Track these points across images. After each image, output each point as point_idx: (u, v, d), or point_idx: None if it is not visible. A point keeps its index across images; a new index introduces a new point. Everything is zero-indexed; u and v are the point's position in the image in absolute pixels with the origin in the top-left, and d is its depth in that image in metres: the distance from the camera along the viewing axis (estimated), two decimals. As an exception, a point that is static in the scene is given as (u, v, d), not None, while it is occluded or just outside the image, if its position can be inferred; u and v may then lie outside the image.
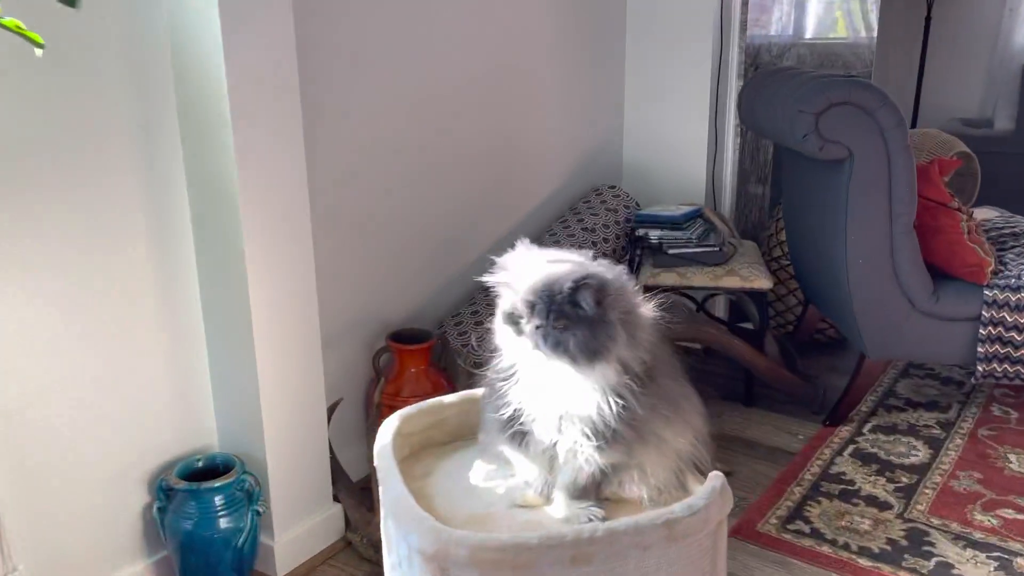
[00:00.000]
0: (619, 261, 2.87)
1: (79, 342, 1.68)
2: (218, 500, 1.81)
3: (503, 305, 1.15)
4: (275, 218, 1.79)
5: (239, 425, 1.91)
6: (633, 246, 2.85)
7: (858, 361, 2.63)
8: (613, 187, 3.00)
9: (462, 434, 1.39)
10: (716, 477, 1.16)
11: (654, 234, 2.76)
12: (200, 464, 1.89)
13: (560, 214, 2.93)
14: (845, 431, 2.61)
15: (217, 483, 1.81)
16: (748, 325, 2.88)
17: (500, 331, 1.17)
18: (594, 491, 1.22)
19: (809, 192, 2.67)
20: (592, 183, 3.05)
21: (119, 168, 1.67)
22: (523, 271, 1.14)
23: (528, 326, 1.12)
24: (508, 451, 1.24)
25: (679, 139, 3.09)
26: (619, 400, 1.13)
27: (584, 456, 1.17)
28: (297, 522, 1.98)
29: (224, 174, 1.71)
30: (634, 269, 2.84)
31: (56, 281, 1.62)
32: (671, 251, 2.75)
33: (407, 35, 2.25)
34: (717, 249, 2.74)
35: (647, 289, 2.80)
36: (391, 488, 1.14)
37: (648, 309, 1.21)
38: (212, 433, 1.96)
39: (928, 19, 4.89)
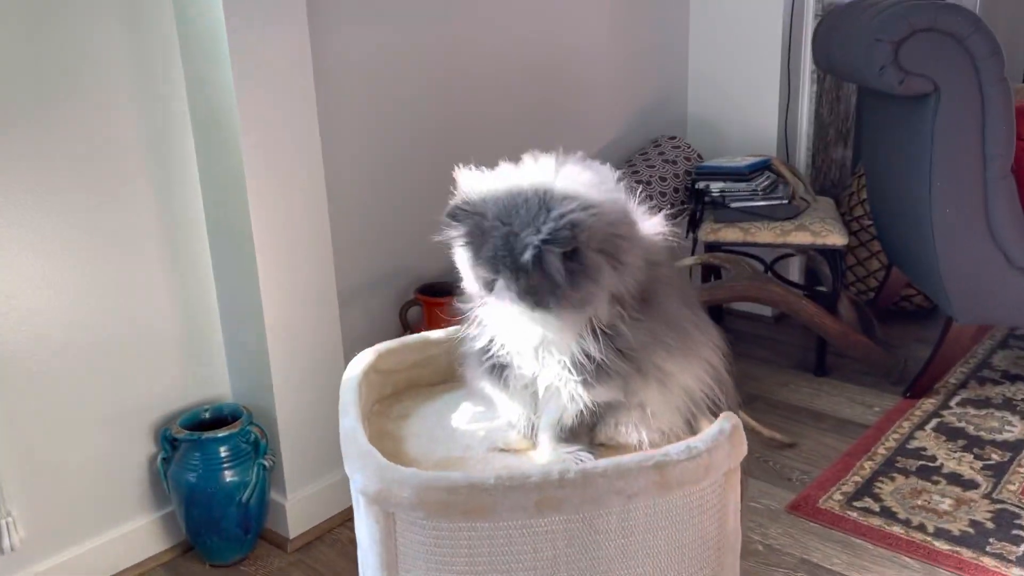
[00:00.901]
0: (678, 216, 2.66)
1: (86, 287, 1.60)
2: (222, 451, 1.71)
3: (465, 250, 0.96)
4: (281, 162, 1.67)
5: (250, 377, 1.81)
6: (694, 200, 2.62)
7: (944, 326, 2.35)
8: (673, 137, 2.77)
9: (453, 375, 1.22)
10: (727, 417, 0.96)
11: (715, 186, 2.54)
12: (207, 415, 1.79)
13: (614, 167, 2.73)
14: (929, 404, 2.34)
15: (221, 433, 1.71)
16: (823, 289, 2.61)
17: (461, 257, 0.99)
18: (586, 435, 1.04)
19: (891, 136, 2.39)
20: (652, 135, 2.83)
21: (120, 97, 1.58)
22: (484, 211, 0.95)
23: (497, 286, 0.94)
24: (488, 387, 1.07)
25: (748, 87, 2.84)
26: (606, 331, 0.95)
27: (568, 393, 0.99)
28: (311, 482, 1.86)
29: (225, 101, 1.60)
30: (695, 225, 2.61)
31: (67, 230, 1.57)
32: (734, 204, 2.51)
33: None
34: (785, 202, 2.49)
35: (708, 247, 2.58)
36: (345, 423, 0.99)
37: (644, 222, 1.02)
38: (224, 383, 1.86)
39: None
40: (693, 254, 2.68)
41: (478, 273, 0.96)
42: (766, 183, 2.52)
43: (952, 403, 2.33)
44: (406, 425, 1.14)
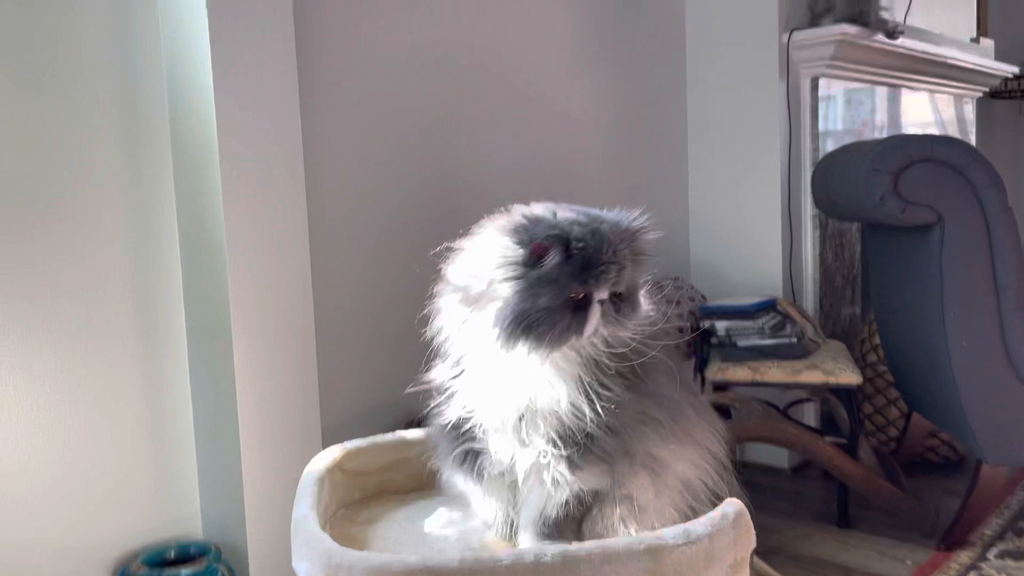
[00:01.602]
0: (684, 359, 2.57)
1: (46, 410, 1.51)
2: (183, 590, 1.55)
3: (555, 288, 0.89)
4: (269, 300, 1.63)
5: (223, 515, 1.67)
6: (700, 340, 2.54)
7: (975, 469, 2.19)
8: (676, 279, 2.73)
9: (429, 481, 1.11)
10: (732, 503, 0.84)
11: (721, 325, 2.46)
12: (172, 553, 1.65)
13: (618, 310, 2.67)
14: (965, 557, 2.14)
15: (183, 570, 1.56)
16: (842, 440, 2.47)
17: (453, 311, 0.91)
18: (573, 532, 0.91)
19: (899, 271, 2.34)
20: (655, 278, 2.79)
21: (110, 239, 1.56)
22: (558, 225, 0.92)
23: (595, 304, 0.89)
24: (460, 480, 0.95)
25: (751, 231, 2.83)
26: (598, 390, 0.85)
27: (553, 475, 0.88)
28: (284, 628, 1.68)
29: (214, 241, 1.57)
30: (702, 366, 2.52)
31: (38, 354, 1.50)
32: (741, 343, 2.43)
33: (432, 117, 2.14)
34: (794, 341, 2.41)
35: (716, 388, 2.48)
36: (298, 511, 0.87)
37: (644, 294, 0.95)
38: (196, 520, 1.72)
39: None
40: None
41: (561, 291, 0.90)
42: (773, 322, 2.44)
43: (990, 555, 2.13)
44: (372, 529, 1.02)
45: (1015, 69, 3.92)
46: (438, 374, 0.94)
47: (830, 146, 2.89)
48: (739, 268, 2.86)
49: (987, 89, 3.88)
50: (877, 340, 2.80)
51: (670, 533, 0.78)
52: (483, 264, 0.90)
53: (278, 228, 1.65)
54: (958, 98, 3.75)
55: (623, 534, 0.89)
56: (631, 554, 0.75)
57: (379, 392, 2.00)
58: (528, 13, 2.37)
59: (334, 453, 1.06)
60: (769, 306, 2.53)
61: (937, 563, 2.11)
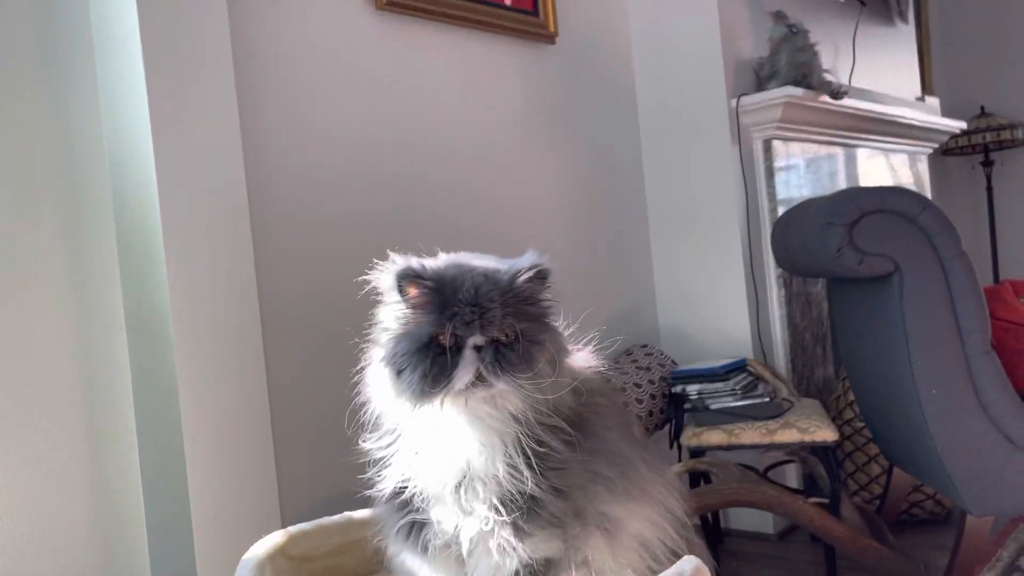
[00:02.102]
0: (657, 426, 2.53)
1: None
2: None
3: (416, 330, 0.89)
4: (219, 381, 1.59)
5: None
6: (672, 407, 2.51)
7: (960, 522, 2.14)
8: (645, 345, 2.71)
9: (383, 564, 1.05)
10: (688, 560, 0.80)
11: (692, 388, 2.43)
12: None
13: (588, 380, 2.64)
14: (960, 613, 2.07)
15: None
16: (824, 500, 2.42)
17: (379, 382, 0.89)
18: (527, 605, 0.86)
19: (862, 323, 2.33)
20: (623, 346, 2.77)
21: (53, 299, 1.53)
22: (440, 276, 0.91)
23: (467, 350, 0.87)
24: (407, 557, 0.91)
25: (717, 296, 2.83)
26: (536, 449, 0.82)
27: (499, 543, 0.83)
28: None
29: (158, 299, 1.54)
30: (675, 434, 2.47)
31: None
32: (713, 406, 2.40)
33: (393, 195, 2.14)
34: (767, 400, 2.38)
35: (693, 454, 2.43)
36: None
37: (573, 351, 0.93)
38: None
39: (989, 189, 4.67)
40: (679, 462, 2.51)
41: (419, 333, 0.91)
42: (744, 382, 2.42)
43: (986, 611, 2.07)
44: (319, 617, 0.96)
45: (962, 124, 4.03)
46: (374, 443, 0.91)
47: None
48: (707, 332, 2.85)
49: (937, 146, 3.97)
50: (852, 396, 2.77)
51: (620, 596, 0.73)
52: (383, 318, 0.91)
53: (227, 307, 1.62)
54: (911, 157, 3.83)
55: (581, 602, 0.84)
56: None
57: (339, 485, 1.94)
58: (479, 89, 2.41)
59: (276, 538, 1.01)
60: (740, 367, 2.51)
61: (931, 622, 2.04)
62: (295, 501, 1.79)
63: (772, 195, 2.85)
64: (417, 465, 0.87)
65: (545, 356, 0.91)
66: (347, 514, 1.09)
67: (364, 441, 0.92)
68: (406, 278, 0.92)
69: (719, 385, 2.42)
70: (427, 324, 0.89)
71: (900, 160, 3.72)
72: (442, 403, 0.88)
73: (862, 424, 2.72)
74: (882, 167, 3.55)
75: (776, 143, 2.88)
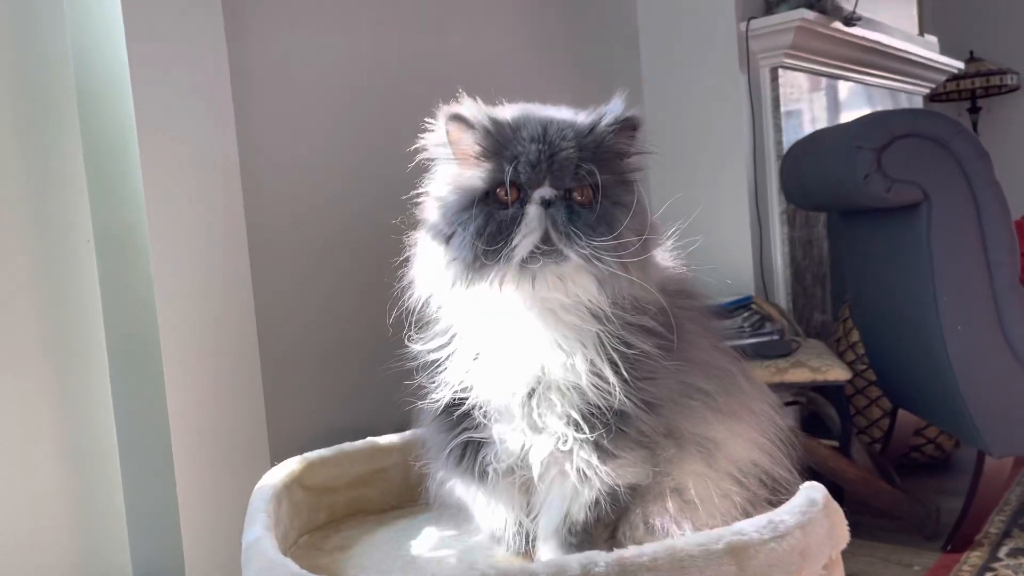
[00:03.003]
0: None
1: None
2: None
3: (469, 183, 0.73)
4: (202, 307, 1.40)
5: (157, 552, 1.42)
6: (674, 346, 2.38)
7: (977, 463, 2.06)
8: (645, 282, 2.57)
9: (412, 496, 0.90)
10: (813, 487, 0.66)
11: (698, 326, 2.30)
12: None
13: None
14: (975, 557, 1.99)
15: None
16: (832, 442, 2.32)
17: (425, 259, 0.73)
18: (606, 541, 0.72)
19: (879, 259, 2.22)
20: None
21: (16, 252, 1.33)
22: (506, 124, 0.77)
23: (532, 205, 0.71)
24: (459, 485, 0.75)
25: (720, 231, 2.70)
26: (626, 352, 0.66)
27: (578, 466, 0.68)
28: None
29: (136, 244, 1.35)
30: (678, 373, 2.35)
31: None
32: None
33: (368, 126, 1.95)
34: (776, 338, 2.26)
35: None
36: (249, 535, 0.66)
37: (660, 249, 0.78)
38: (124, 557, 1.46)
39: (975, 125, 4.60)
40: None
41: (487, 192, 0.75)
42: (753, 319, 2.29)
43: (1001, 554, 1.99)
44: (345, 558, 0.81)
45: (960, 64, 3.92)
46: (422, 345, 0.75)
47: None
48: (710, 272, 2.71)
49: (934, 86, 3.86)
50: (854, 338, 2.68)
51: (751, 526, 0.59)
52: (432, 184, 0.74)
53: (211, 228, 1.43)
54: (908, 98, 3.71)
55: (672, 537, 0.70)
56: (708, 556, 0.56)
57: (337, 409, 1.78)
58: (476, 17, 2.21)
59: (291, 466, 0.85)
60: (745, 303, 2.39)
61: (947, 566, 1.96)
62: (285, 435, 1.63)
63: (778, 127, 2.71)
64: (477, 371, 0.72)
65: (633, 226, 0.75)
66: (371, 439, 0.94)
67: (411, 341, 0.76)
68: (453, 121, 0.76)
69: (726, 322, 2.29)
70: (483, 173, 0.73)
71: (898, 100, 3.60)
72: (501, 282, 0.72)
73: (863, 366, 2.63)
74: (884, 106, 3.42)
75: (782, 72, 2.73)
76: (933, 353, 2.01)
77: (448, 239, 0.73)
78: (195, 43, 1.42)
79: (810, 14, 2.58)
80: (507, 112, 0.80)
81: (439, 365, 0.75)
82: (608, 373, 0.69)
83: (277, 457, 1.55)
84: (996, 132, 4.69)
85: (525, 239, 0.70)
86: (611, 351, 0.70)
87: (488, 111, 0.79)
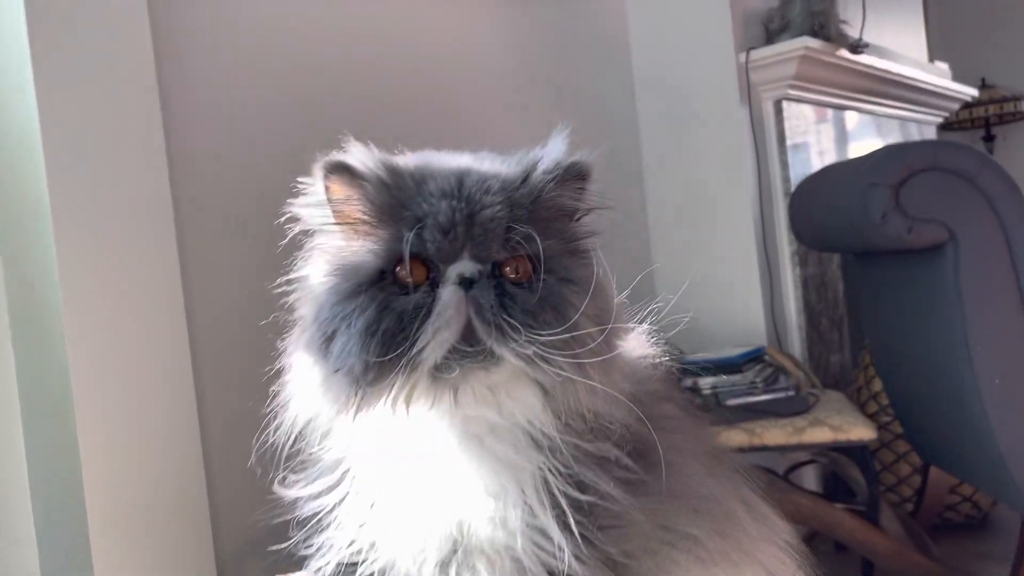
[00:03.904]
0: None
1: None
2: None
3: (356, 260, 0.55)
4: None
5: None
6: (681, 404, 2.18)
7: (1021, 529, 1.84)
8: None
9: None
10: None
11: (705, 383, 2.11)
12: None
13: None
14: (1027, 639, 1.77)
15: None
16: (858, 506, 2.11)
17: (302, 371, 0.55)
18: None
19: (901, 304, 2.02)
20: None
21: None
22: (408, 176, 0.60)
23: (447, 286, 0.53)
24: None
25: (725, 276, 2.51)
26: (578, 497, 0.48)
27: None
28: None
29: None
30: (686, 434, 2.15)
31: None
32: (731, 402, 2.07)
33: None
34: (792, 394, 2.06)
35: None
36: None
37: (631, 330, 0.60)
38: None
39: (989, 154, 4.41)
40: (690, 469, 2.19)
41: (381, 271, 0.57)
42: (766, 373, 2.10)
43: (1056, 635, 1.77)
44: None
45: (973, 91, 3.75)
46: (303, 488, 0.56)
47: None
48: (716, 317, 2.52)
49: (947, 115, 3.69)
50: (876, 387, 2.48)
51: None
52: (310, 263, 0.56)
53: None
54: (919, 128, 3.54)
55: None
56: None
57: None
58: (455, 36, 2.06)
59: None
60: (758, 355, 2.19)
61: (996, 651, 1.74)
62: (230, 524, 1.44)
63: (784, 163, 2.54)
64: (374, 525, 0.53)
65: (592, 310, 0.57)
66: (283, 577, 0.74)
67: (285, 484, 0.58)
68: (335, 173, 0.58)
69: (737, 378, 2.10)
70: (375, 245, 0.55)
71: (909, 130, 3.43)
72: (407, 400, 0.54)
73: (888, 418, 2.42)
74: (895, 138, 3.25)
75: (786, 104, 2.57)
76: (967, 408, 1.80)
77: (328, 341, 0.55)
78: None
79: (814, 42, 2.43)
80: (411, 159, 0.63)
81: (322, 516, 0.56)
82: (554, 529, 0.50)
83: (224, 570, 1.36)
84: (1012, 160, 4.50)
85: (438, 336, 0.52)
86: (558, 494, 0.51)
87: (383, 158, 0.62)
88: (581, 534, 0.51)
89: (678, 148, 2.55)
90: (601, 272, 0.61)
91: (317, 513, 0.57)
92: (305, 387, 0.58)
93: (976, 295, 1.75)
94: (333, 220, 0.60)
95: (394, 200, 0.57)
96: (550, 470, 0.53)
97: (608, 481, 0.53)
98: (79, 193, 1.16)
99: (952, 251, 1.76)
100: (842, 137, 2.96)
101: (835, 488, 2.43)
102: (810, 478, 2.50)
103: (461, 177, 0.58)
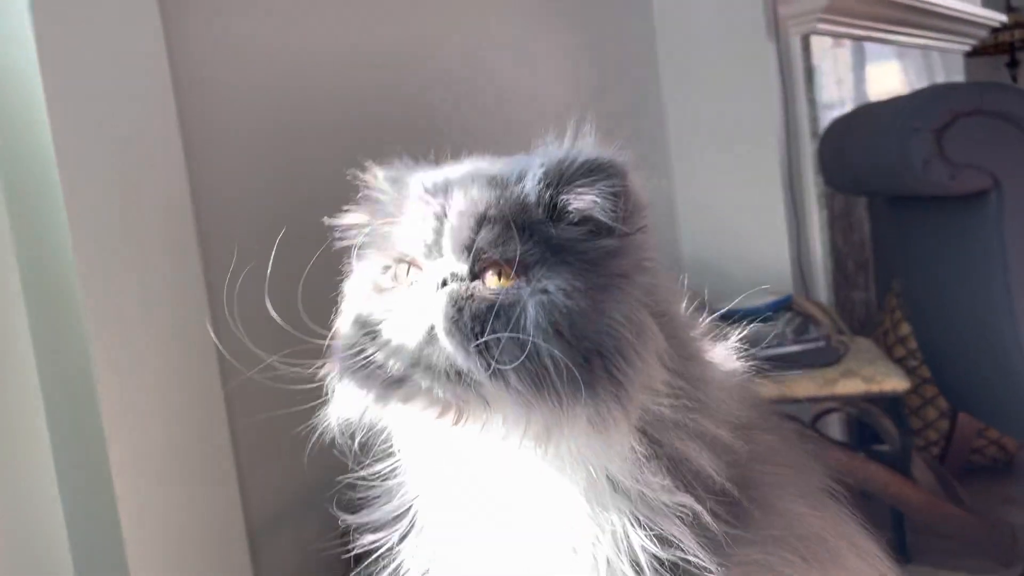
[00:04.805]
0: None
1: None
2: None
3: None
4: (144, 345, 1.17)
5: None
6: (707, 355, 2.14)
7: (1059, 481, 1.82)
8: (671, 283, 2.32)
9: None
10: None
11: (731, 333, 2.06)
12: None
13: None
14: (1061, 589, 1.76)
15: None
16: (884, 448, 2.09)
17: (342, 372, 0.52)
18: None
19: (938, 250, 1.96)
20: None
21: None
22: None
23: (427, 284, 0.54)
24: None
25: (750, 219, 2.44)
26: (663, 547, 0.43)
27: None
28: None
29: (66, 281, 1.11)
30: (713, 385, 2.11)
31: None
32: (758, 354, 2.02)
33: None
34: (823, 344, 2.01)
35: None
36: None
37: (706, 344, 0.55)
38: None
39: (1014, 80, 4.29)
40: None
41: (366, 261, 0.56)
42: (795, 323, 2.05)
43: (1090, 584, 1.76)
44: None
45: (1002, 17, 3.60)
46: (368, 516, 0.51)
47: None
48: (741, 264, 2.46)
49: (975, 42, 3.55)
50: (903, 331, 2.43)
51: None
52: None
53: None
54: (945, 58, 3.40)
55: None
56: None
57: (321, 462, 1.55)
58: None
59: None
60: (785, 305, 2.13)
61: (1030, 602, 1.73)
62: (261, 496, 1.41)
63: (812, 101, 2.44)
64: (442, 565, 0.48)
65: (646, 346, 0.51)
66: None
67: (344, 505, 0.53)
68: (361, 200, 0.55)
69: (764, 328, 2.04)
70: (372, 256, 0.52)
71: (938, 62, 3.30)
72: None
73: (916, 363, 2.38)
74: (921, 69, 3.12)
75: (814, 39, 2.45)
76: (1005, 357, 1.76)
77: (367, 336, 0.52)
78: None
79: (846, -28, 2.31)
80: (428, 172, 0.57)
81: (387, 553, 0.51)
82: None
83: (256, 535, 1.34)
84: (1038, 87, 4.37)
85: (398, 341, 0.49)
86: (639, 552, 0.46)
87: (392, 172, 0.57)
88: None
89: (700, 86, 2.44)
90: (658, 280, 0.55)
91: (378, 545, 0.53)
92: (338, 389, 0.55)
93: (1019, 244, 1.68)
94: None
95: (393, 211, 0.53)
96: (631, 522, 0.48)
97: (691, 537, 0.48)
98: (95, 192, 1.10)
99: (996, 199, 1.68)
100: (859, 65, 2.84)
101: (861, 435, 2.41)
102: (834, 425, 2.47)
103: (469, 181, 0.53)
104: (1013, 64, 4.41)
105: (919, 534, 2.03)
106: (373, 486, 0.57)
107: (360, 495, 0.57)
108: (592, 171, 0.56)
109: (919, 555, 1.99)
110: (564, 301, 0.53)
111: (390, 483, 0.55)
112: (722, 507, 0.49)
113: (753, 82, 2.36)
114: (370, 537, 0.54)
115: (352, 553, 0.56)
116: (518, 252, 0.52)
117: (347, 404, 0.57)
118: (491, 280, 0.53)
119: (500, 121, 1.98)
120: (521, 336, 0.50)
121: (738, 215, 2.45)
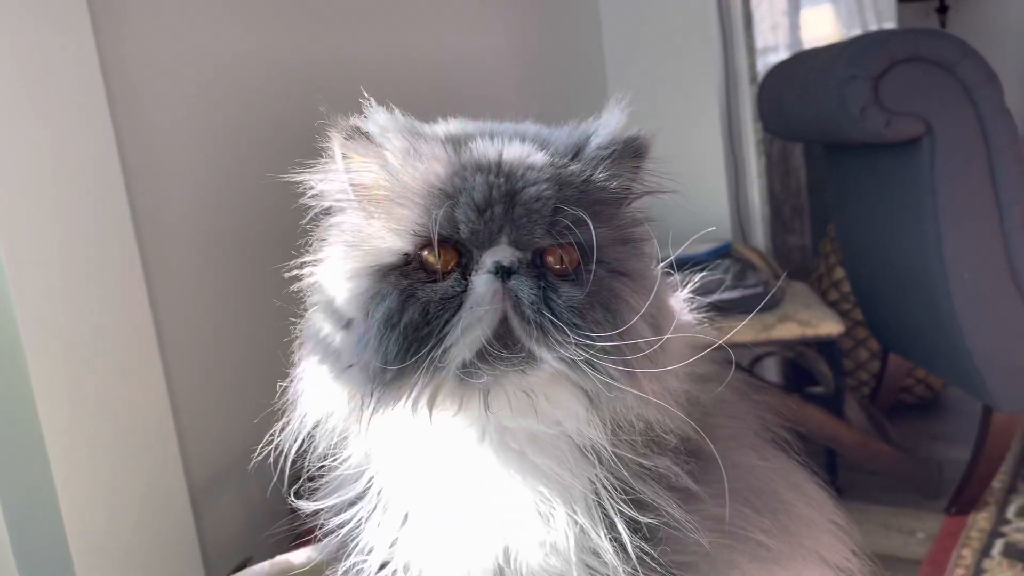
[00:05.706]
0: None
1: None
2: None
3: (375, 244, 0.48)
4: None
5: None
6: (648, 302, 2.16)
7: (982, 419, 1.89)
8: (612, 231, 2.33)
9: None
10: None
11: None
12: None
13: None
14: (982, 520, 1.85)
15: None
16: (819, 390, 2.15)
17: (315, 372, 0.48)
18: None
19: (873, 196, 2.00)
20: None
21: None
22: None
23: (480, 274, 0.49)
24: None
25: (689, 166, 2.44)
26: (636, 508, 0.43)
27: None
28: None
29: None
30: (654, 332, 2.14)
31: None
32: (703, 301, 2.05)
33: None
34: (760, 290, 2.04)
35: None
36: None
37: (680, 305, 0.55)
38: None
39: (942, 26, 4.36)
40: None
41: (406, 257, 0.49)
42: (734, 270, 2.07)
43: (1009, 514, 1.85)
44: None
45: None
46: (323, 499, 0.50)
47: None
48: (679, 209, 2.46)
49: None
50: (837, 275, 2.48)
51: None
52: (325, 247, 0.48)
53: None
54: (878, 2, 3.44)
55: None
56: None
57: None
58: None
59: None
60: (724, 252, 2.16)
61: (954, 531, 1.81)
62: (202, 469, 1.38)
63: (752, 48, 2.44)
64: (408, 545, 0.47)
65: (647, 309, 0.50)
66: (285, 557, 0.70)
67: (302, 495, 0.52)
68: (353, 140, 0.50)
69: (704, 275, 2.07)
70: (398, 224, 0.47)
71: (870, 7, 3.33)
72: (428, 403, 0.47)
73: (849, 306, 2.44)
74: (854, 14, 3.15)
75: None
76: (935, 302, 1.81)
77: (342, 332, 0.47)
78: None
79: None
80: (442, 128, 0.54)
81: (348, 529, 0.50)
82: (608, 552, 0.45)
83: (197, 493, 1.31)
84: (966, 34, 4.46)
85: (468, 333, 0.45)
86: (613, 514, 0.45)
87: (409, 123, 0.53)
88: (639, 557, 0.46)
89: (639, 29, 2.42)
90: (654, 261, 0.55)
91: (342, 525, 0.52)
92: (315, 384, 0.51)
93: (950, 190, 1.72)
94: (351, 195, 0.51)
95: (421, 172, 0.49)
96: (603, 485, 0.48)
97: (669, 500, 0.48)
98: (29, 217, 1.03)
99: (928, 145, 1.72)
100: (794, 10, 2.85)
101: (796, 378, 2.47)
102: (771, 369, 2.54)
103: (501, 148, 0.50)
104: (943, 9, 4.48)
105: (850, 471, 2.11)
106: (328, 471, 0.55)
107: (312, 475, 0.55)
108: (637, 151, 0.56)
109: (850, 491, 2.07)
110: (623, 282, 0.52)
111: (345, 467, 0.53)
112: (691, 465, 0.49)
113: (693, 28, 2.35)
114: (334, 521, 0.52)
115: (293, 509, 0.54)
116: (594, 237, 0.50)
117: (346, 404, 0.51)
118: (555, 264, 0.50)
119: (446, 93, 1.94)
120: (616, 319, 0.49)
121: (678, 162, 2.45)
